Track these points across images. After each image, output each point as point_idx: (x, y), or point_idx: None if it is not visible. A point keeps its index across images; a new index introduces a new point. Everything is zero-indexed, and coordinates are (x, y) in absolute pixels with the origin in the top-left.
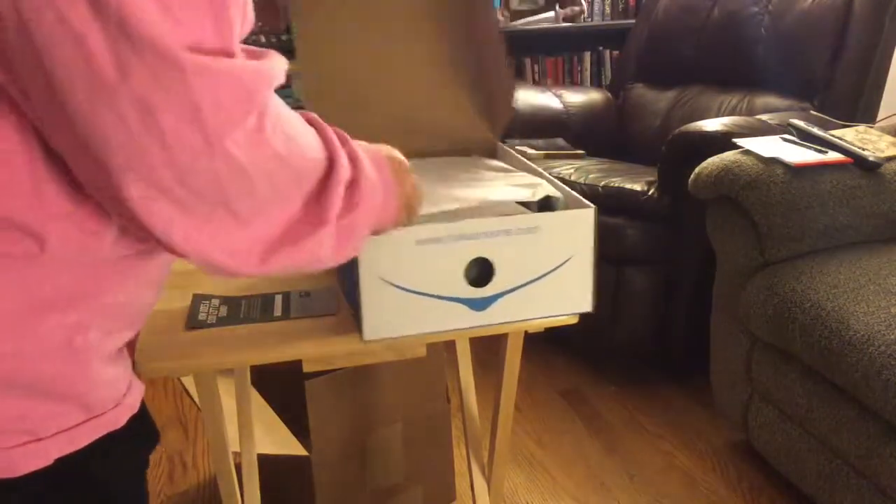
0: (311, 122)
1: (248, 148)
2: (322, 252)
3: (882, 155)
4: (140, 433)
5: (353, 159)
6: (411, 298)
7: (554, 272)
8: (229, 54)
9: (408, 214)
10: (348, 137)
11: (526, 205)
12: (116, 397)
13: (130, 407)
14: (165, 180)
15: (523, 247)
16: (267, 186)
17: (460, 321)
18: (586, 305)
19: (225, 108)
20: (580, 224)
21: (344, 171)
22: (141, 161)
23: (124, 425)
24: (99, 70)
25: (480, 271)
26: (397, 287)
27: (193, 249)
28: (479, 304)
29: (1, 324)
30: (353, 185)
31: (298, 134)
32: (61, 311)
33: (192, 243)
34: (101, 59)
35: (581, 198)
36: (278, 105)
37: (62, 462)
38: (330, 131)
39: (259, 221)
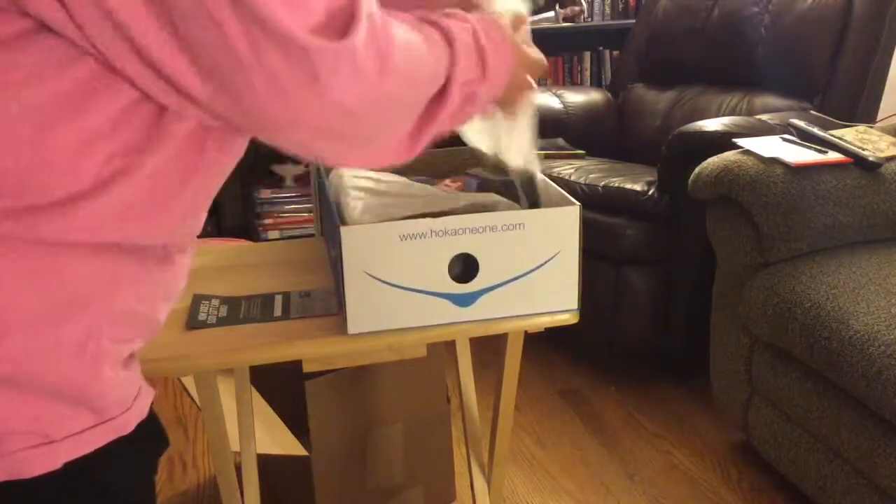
0: (430, 26)
1: (362, 100)
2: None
3: (882, 155)
4: (148, 438)
5: (469, 79)
6: (395, 293)
7: (539, 269)
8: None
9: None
10: (467, 28)
11: (514, 196)
12: (126, 402)
13: (139, 412)
14: (289, 131)
15: (508, 243)
16: (384, 119)
17: (445, 316)
18: (572, 303)
19: (341, 75)
20: (565, 221)
21: (453, 100)
22: (266, 116)
23: (133, 430)
24: (236, 51)
25: (465, 267)
26: (381, 282)
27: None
28: (463, 300)
29: (21, 323)
30: (465, 99)
31: (412, 72)
32: (77, 315)
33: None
34: (237, 43)
35: (567, 195)
36: (393, 45)
37: (70, 466)
38: (446, 42)
39: (384, 141)
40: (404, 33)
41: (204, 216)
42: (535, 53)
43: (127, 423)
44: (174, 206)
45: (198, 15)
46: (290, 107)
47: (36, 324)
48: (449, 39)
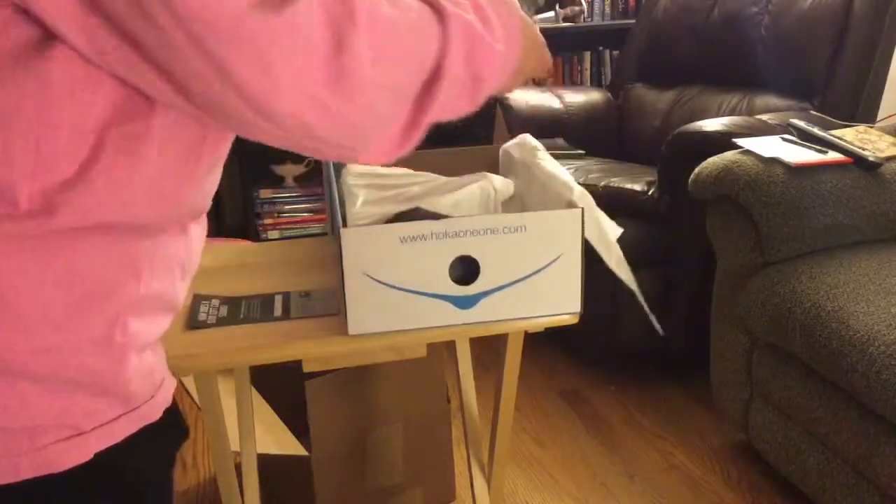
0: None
1: (334, 87)
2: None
3: (882, 155)
4: (173, 427)
5: (473, 56)
6: (396, 295)
7: (541, 272)
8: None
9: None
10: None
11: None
12: (152, 390)
13: (165, 399)
14: (250, 118)
15: (509, 246)
16: (369, 116)
17: (446, 318)
18: (574, 306)
19: (292, 57)
20: (568, 224)
21: (449, 83)
22: (222, 107)
23: (158, 419)
24: (175, 45)
25: (467, 269)
26: (382, 283)
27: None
28: (464, 302)
29: (42, 320)
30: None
31: (400, 46)
32: (100, 306)
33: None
34: (174, 35)
35: (568, 185)
36: (375, 21)
37: (100, 456)
38: (449, 14)
39: (371, 145)
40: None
41: (215, 182)
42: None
43: (153, 411)
44: (184, 179)
45: (133, 13)
46: (248, 98)
47: (57, 319)
48: (440, 13)
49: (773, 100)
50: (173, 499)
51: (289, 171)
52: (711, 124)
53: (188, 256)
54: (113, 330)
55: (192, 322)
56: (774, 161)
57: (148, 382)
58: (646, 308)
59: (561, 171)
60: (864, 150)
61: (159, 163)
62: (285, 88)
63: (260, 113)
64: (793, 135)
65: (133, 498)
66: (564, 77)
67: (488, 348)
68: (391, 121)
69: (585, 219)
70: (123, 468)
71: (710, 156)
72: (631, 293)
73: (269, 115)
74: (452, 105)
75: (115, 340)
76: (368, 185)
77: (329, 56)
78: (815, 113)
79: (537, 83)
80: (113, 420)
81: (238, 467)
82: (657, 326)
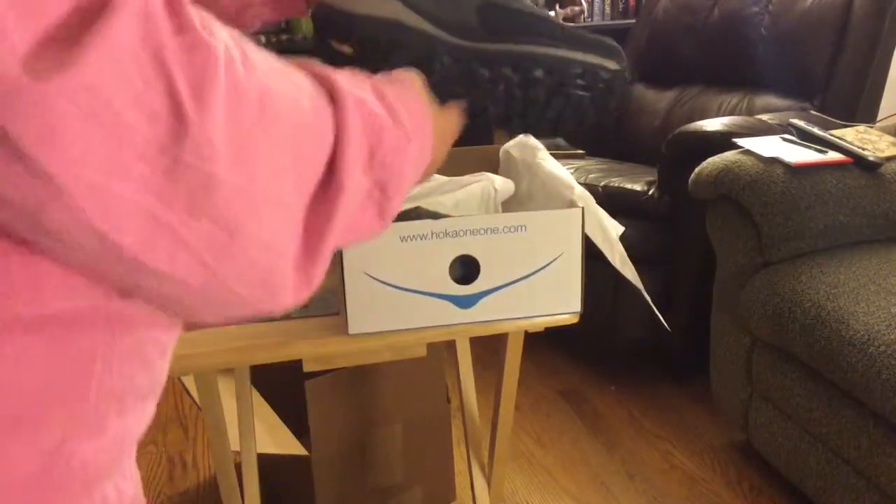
0: (316, 77)
1: (170, 193)
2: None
3: (882, 155)
4: None
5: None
6: (395, 294)
7: (541, 271)
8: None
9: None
10: (367, 97)
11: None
12: None
13: None
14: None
15: (509, 245)
16: (239, 243)
17: (446, 318)
18: (575, 306)
19: (93, 139)
20: (568, 224)
21: (351, 180)
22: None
23: None
24: None
25: (467, 269)
26: (381, 282)
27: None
28: (464, 302)
29: None
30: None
31: (280, 135)
32: (34, 426)
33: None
34: None
35: (572, 197)
36: (243, 90)
37: None
38: (348, 100)
39: (269, 290)
40: (263, 67)
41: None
42: (450, 114)
43: None
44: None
45: None
46: (20, 208)
47: None
48: (332, 91)
49: (773, 100)
50: None
51: None
52: (711, 124)
53: (163, 333)
54: (54, 462)
55: None
56: (774, 161)
57: None
58: (651, 304)
59: (561, 171)
60: (864, 150)
61: None
62: (80, 193)
63: (41, 231)
64: (793, 135)
65: None
66: None
67: (488, 348)
68: (276, 253)
69: (587, 218)
70: None
71: (710, 156)
72: (637, 291)
73: (55, 233)
74: (357, 225)
75: (57, 476)
76: None
77: (157, 140)
78: (815, 113)
79: None
80: None
81: (238, 467)
82: (663, 322)
